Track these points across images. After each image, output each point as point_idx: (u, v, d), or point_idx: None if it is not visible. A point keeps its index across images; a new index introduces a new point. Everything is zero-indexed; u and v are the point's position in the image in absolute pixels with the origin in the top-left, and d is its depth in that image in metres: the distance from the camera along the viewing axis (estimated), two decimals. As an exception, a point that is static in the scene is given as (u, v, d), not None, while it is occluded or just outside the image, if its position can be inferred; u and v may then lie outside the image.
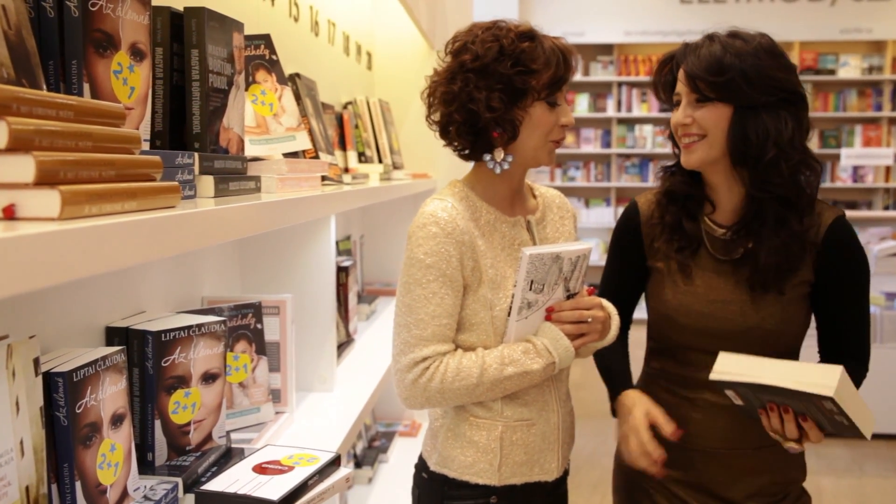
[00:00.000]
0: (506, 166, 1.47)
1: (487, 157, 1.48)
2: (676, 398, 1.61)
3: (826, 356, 1.60)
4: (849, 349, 1.58)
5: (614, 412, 1.64)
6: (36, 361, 0.92)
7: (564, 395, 1.59)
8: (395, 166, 3.02)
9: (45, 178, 0.68)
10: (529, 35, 1.44)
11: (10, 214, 0.67)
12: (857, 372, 1.56)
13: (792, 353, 1.56)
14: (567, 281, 1.47)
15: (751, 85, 1.44)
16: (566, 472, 1.63)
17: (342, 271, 2.47)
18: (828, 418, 1.37)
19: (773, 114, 1.45)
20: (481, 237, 1.47)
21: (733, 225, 1.55)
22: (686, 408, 1.59)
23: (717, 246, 1.57)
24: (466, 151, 1.50)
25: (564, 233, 1.61)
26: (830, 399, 1.30)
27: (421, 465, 1.59)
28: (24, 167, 0.67)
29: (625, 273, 1.69)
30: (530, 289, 1.42)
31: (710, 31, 1.54)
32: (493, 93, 1.41)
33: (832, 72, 8.11)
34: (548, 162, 1.50)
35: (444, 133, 1.50)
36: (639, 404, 1.55)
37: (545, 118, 1.45)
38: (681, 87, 1.52)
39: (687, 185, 1.59)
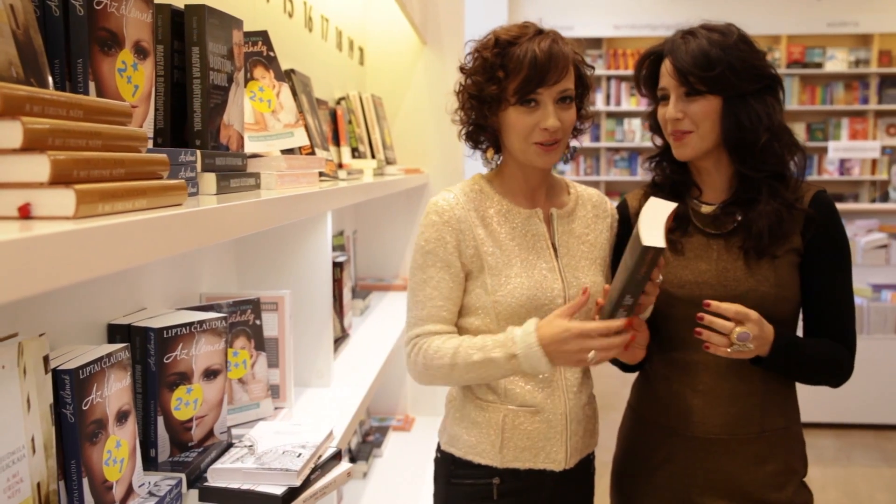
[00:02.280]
0: (493, 165, 1.63)
1: (485, 156, 1.62)
2: (676, 386, 1.62)
3: (808, 334, 1.61)
4: (830, 327, 1.58)
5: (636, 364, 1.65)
6: (45, 359, 0.92)
7: (576, 387, 1.59)
8: (388, 161, 3.03)
9: (60, 178, 0.68)
10: (507, 41, 1.50)
11: (25, 213, 0.68)
12: (841, 354, 1.57)
13: (788, 324, 1.57)
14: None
15: (738, 76, 1.51)
16: (584, 466, 1.65)
17: (337, 267, 2.47)
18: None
19: (759, 100, 1.53)
20: (484, 226, 1.56)
21: (723, 202, 1.60)
22: (687, 395, 1.60)
23: (707, 222, 1.61)
24: (475, 151, 1.64)
25: (595, 231, 1.65)
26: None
27: (437, 445, 1.69)
28: (38, 166, 0.67)
29: None
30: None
31: (683, 27, 1.59)
32: (469, 101, 1.56)
33: (819, 65, 8.16)
34: (539, 163, 1.55)
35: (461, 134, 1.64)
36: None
37: (520, 121, 1.51)
38: (668, 82, 1.56)
39: (673, 173, 1.65)
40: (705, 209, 1.62)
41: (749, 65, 1.52)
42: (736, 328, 1.42)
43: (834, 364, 1.57)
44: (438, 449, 1.68)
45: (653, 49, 1.62)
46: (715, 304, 1.44)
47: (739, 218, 1.56)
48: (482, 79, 1.52)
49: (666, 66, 1.56)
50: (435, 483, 1.68)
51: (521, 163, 1.56)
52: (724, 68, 1.50)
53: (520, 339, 1.43)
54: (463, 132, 1.62)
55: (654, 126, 1.65)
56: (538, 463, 1.57)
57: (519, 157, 1.55)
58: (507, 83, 1.49)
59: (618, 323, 1.40)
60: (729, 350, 1.44)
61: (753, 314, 1.44)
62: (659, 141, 1.68)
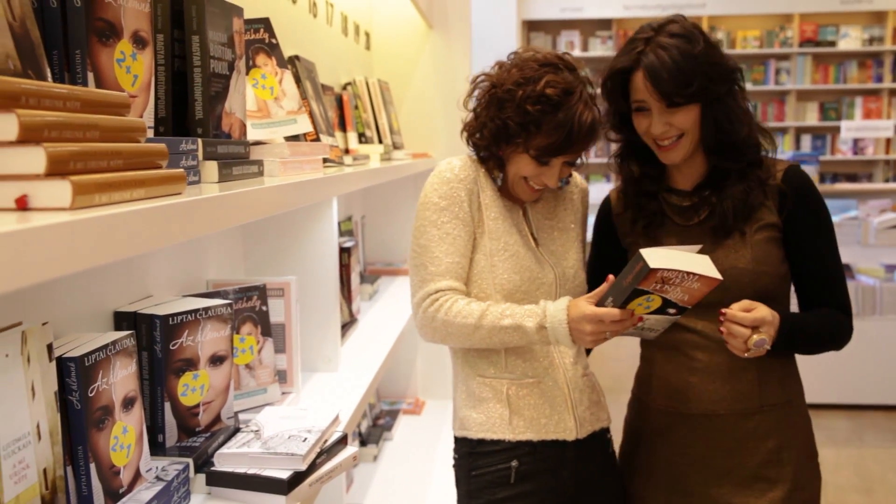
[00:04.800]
0: (499, 182, 1.63)
1: (494, 174, 1.63)
2: (673, 365, 1.65)
3: (804, 305, 1.65)
4: (823, 295, 1.61)
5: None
6: (49, 347, 0.94)
7: (571, 359, 1.64)
8: (396, 146, 3.03)
9: (56, 169, 0.69)
10: (554, 100, 1.49)
11: (22, 205, 0.68)
12: (840, 320, 1.60)
13: (777, 298, 1.59)
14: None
15: (712, 82, 1.52)
16: (600, 444, 1.68)
17: (344, 252, 2.48)
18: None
19: (731, 97, 1.56)
20: (488, 190, 1.61)
21: (695, 188, 1.63)
22: (684, 372, 1.63)
23: (679, 212, 1.64)
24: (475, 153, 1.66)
25: (571, 209, 1.71)
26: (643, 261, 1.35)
27: (454, 447, 1.71)
28: (34, 158, 0.68)
29: (605, 256, 1.77)
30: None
31: (643, 31, 1.57)
32: (491, 122, 1.56)
33: (832, 43, 8.06)
34: (523, 198, 1.64)
35: (464, 129, 1.65)
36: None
37: (526, 168, 1.57)
38: (647, 97, 1.54)
39: (639, 166, 1.66)
40: (677, 200, 1.64)
41: (719, 68, 1.53)
42: (753, 336, 1.45)
43: (836, 332, 1.61)
44: (455, 442, 1.70)
45: (621, 66, 1.57)
46: (730, 312, 1.46)
47: (714, 200, 1.59)
48: (514, 123, 1.52)
49: (641, 82, 1.53)
50: (457, 486, 1.70)
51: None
52: (701, 80, 1.50)
53: (550, 314, 1.49)
54: (465, 130, 1.64)
55: (617, 126, 1.64)
56: (550, 433, 1.59)
57: (508, 184, 1.63)
58: (536, 137, 1.52)
59: (616, 311, 1.43)
60: (746, 354, 1.48)
61: (767, 315, 1.45)
62: (613, 136, 1.68)
